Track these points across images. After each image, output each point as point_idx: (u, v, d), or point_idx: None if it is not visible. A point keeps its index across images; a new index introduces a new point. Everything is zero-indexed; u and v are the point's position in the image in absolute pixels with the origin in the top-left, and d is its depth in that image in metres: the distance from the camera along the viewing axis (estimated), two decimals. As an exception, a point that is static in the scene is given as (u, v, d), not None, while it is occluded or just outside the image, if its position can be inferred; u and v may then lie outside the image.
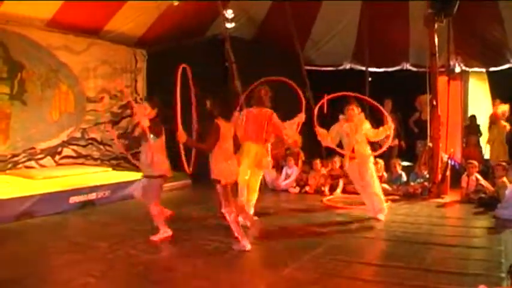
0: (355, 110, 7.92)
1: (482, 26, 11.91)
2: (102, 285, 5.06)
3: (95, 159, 11.90)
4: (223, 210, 6.24)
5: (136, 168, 7.26)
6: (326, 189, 10.54)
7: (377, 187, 8.03)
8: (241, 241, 6.18)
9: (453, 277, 4.99)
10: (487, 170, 10.62)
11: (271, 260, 5.88)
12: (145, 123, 6.32)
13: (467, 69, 13.52)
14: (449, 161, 10.34)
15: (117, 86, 12.36)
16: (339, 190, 10.51)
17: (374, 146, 8.52)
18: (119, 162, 12.32)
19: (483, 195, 9.13)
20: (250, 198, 7.66)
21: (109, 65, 12.50)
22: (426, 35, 10.13)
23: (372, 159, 8.08)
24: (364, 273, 5.31)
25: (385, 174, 10.74)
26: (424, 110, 11.58)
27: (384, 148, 8.16)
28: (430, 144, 10.23)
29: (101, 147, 12.10)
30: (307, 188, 10.75)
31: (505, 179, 8.95)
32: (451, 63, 12.33)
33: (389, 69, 14.14)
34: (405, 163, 11.67)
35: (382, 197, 8.05)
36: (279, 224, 7.63)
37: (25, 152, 10.63)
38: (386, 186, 10.38)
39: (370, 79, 11.70)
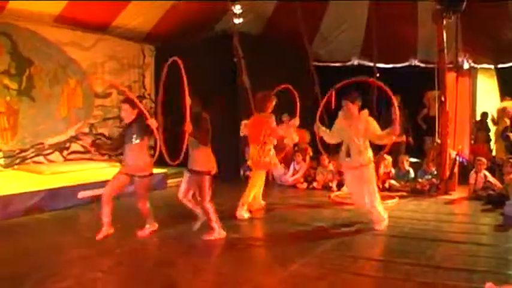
0: (350, 105, 7.00)
1: (491, 22, 11.83)
2: (110, 280, 5.09)
3: (103, 155, 11.92)
4: (207, 205, 6.52)
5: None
6: (334, 185, 10.53)
7: (375, 200, 7.14)
8: (215, 230, 6.52)
9: (461, 274, 4.99)
10: (494, 167, 10.58)
11: (279, 256, 5.88)
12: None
13: (475, 65, 13.45)
14: (458, 158, 10.31)
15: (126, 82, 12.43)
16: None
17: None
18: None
19: (491, 192, 9.10)
20: (248, 193, 8.05)
21: (117, 60, 12.54)
22: (434, 31, 10.10)
23: (372, 165, 7.11)
24: (371, 269, 5.31)
25: (392, 170, 10.73)
26: (432, 106, 11.55)
27: (383, 153, 7.62)
28: (438, 141, 10.21)
29: (109, 142, 12.12)
30: (314, 184, 10.76)
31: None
32: (460, 59, 12.26)
33: (398, 65, 14.09)
34: (413, 159, 11.63)
35: (381, 207, 7.23)
36: (287, 219, 7.64)
37: (33, 148, 10.69)
38: (394, 182, 10.39)
39: (378, 75, 11.65)
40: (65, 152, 11.29)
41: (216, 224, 6.56)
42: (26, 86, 10.47)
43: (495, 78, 13.43)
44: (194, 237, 6.58)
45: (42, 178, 9.28)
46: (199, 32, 12.24)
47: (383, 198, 9.23)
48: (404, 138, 11.83)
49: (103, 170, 10.23)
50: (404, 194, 9.90)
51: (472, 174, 9.70)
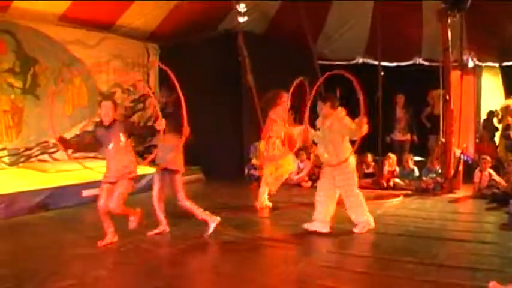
0: (321, 105, 6.89)
1: (495, 20, 11.79)
2: (114, 279, 5.11)
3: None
4: (185, 203, 6.51)
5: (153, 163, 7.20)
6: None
7: (355, 200, 6.94)
8: (210, 222, 6.52)
9: (465, 272, 4.97)
10: (499, 165, 10.56)
11: (283, 255, 5.89)
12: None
13: (480, 63, 13.42)
14: (462, 156, 10.30)
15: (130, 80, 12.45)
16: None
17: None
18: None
19: (496, 190, 9.08)
20: (262, 190, 8.47)
21: (121, 59, 12.55)
22: (439, 30, 10.09)
23: (350, 163, 6.89)
24: (375, 268, 5.31)
25: (397, 169, 10.73)
26: (436, 105, 11.53)
27: (356, 146, 7.49)
28: (443, 139, 10.19)
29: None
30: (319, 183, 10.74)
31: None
32: (464, 57, 12.22)
33: (402, 64, 14.07)
34: (417, 158, 11.62)
35: (361, 209, 6.96)
36: (291, 218, 7.65)
37: (38, 146, 10.71)
38: (398, 180, 10.39)
39: (382, 74, 11.64)
40: (70, 150, 11.28)
41: (203, 214, 6.58)
42: (30, 84, 10.49)
43: (500, 76, 13.39)
44: (198, 236, 6.57)
45: (47, 176, 9.31)
46: (203, 31, 12.25)
47: (387, 197, 9.29)
48: (409, 136, 11.83)
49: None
50: (409, 192, 9.90)
51: (477, 173, 9.68)
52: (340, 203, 6.92)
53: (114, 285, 5.05)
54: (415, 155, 11.53)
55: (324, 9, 13.12)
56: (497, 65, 13.30)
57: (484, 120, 12.82)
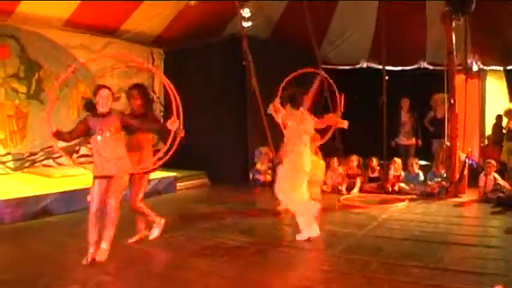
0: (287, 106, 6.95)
1: (500, 24, 11.77)
2: (117, 284, 5.10)
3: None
4: (140, 204, 6.48)
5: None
6: (343, 188, 10.54)
7: (301, 204, 6.81)
8: (156, 221, 6.62)
9: (470, 277, 4.96)
10: (503, 170, 10.52)
11: (288, 259, 5.88)
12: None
13: (484, 67, 13.38)
14: (467, 160, 10.27)
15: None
16: (356, 189, 10.51)
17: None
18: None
19: (501, 194, 9.06)
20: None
21: (126, 64, 12.55)
22: (443, 33, 10.07)
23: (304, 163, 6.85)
24: (380, 272, 5.28)
25: (402, 173, 10.71)
26: (439, 108, 11.50)
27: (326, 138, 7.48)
28: (448, 143, 10.17)
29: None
30: (324, 187, 10.71)
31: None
32: (469, 61, 12.20)
33: (407, 68, 14.05)
34: (422, 162, 11.60)
35: (308, 215, 6.73)
36: (296, 222, 7.62)
37: (43, 151, 10.73)
38: (403, 185, 10.37)
39: (387, 78, 11.62)
40: (75, 155, 11.31)
41: (153, 215, 6.63)
42: (35, 89, 10.54)
43: (504, 80, 13.37)
44: (203, 240, 6.58)
45: (52, 181, 9.32)
46: (207, 36, 12.27)
47: (392, 201, 9.27)
48: (413, 141, 11.81)
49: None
50: (414, 196, 9.89)
51: (482, 177, 9.66)
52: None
53: (117, 291, 5.05)
54: (420, 159, 11.51)
55: (328, 13, 13.12)
56: (501, 68, 13.26)
57: (494, 124, 12.81)
